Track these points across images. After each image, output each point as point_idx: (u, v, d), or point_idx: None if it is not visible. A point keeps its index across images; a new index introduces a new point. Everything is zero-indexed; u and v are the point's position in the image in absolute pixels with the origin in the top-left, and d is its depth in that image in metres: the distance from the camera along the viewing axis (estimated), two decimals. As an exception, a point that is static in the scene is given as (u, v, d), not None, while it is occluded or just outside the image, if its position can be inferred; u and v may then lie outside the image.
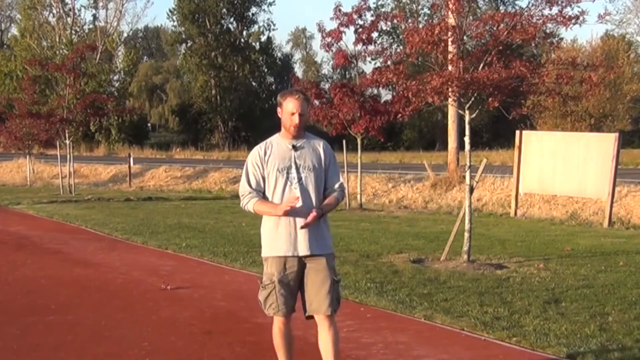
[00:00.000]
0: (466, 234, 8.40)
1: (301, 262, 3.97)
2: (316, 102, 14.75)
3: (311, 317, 4.02)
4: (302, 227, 3.90)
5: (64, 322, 5.81)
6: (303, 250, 3.93)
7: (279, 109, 4.03)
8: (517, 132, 14.60)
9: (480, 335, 5.40)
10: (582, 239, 10.70)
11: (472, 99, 8.40)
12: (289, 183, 3.95)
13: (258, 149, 4.05)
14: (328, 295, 3.93)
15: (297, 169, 3.96)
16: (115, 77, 50.15)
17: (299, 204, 3.88)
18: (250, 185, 4.03)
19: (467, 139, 8.58)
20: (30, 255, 9.18)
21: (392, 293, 6.73)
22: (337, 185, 4.06)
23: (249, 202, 4.01)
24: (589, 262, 8.55)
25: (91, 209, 15.10)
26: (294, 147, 3.99)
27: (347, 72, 53.13)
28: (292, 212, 3.89)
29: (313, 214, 3.87)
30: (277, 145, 4.03)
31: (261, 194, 4.02)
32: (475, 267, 8.12)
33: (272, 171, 3.98)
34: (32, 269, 8.27)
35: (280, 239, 3.95)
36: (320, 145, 4.08)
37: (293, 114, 3.95)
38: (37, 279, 7.62)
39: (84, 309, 6.30)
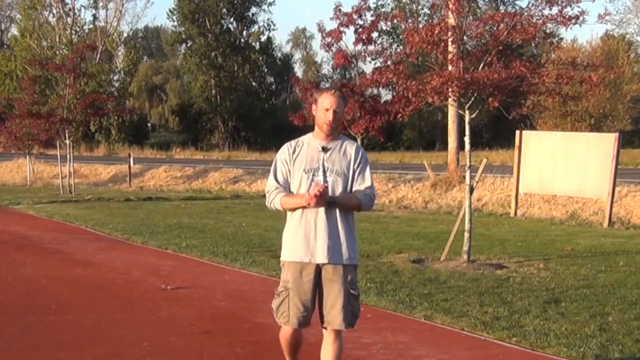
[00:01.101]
0: (466, 234, 8.40)
1: (318, 270, 3.78)
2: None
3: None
4: (315, 204, 3.63)
5: (64, 322, 5.81)
6: (320, 257, 3.75)
7: (313, 106, 3.86)
8: (517, 132, 14.60)
9: (480, 335, 5.40)
10: (582, 239, 10.70)
11: (472, 99, 8.40)
12: (313, 185, 3.73)
13: (288, 146, 3.87)
14: (343, 309, 3.74)
15: (325, 172, 3.77)
16: (115, 77, 50.20)
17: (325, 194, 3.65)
18: (277, 181, 3.84)
19: (467, 139, 8.58)
20: (30, 255, 9.18)
21: (392, 293, 6.73)
22: (362, 187, 3.80)
23: (275, 197, 3.81)
24: (589, 262, 8.55)
25: (91, 209, 15.09)
26: (324, 149, 3.80)
27: (347, 72, 53.18)
28: (314, 218, 3.73)
29: (317, 187, 3.61)
30: (308, 145, 3.85)
31: (288, 190, 3.83)
32: (475, 267, 8.12)
33: (298, 171, 3.80)
34: (32, 269, 8.26)
35: (298, 244, 3.78)
36: (352, 148, 3.85)
37: (327, 110, 3.77)
38: (37, 279, 7.62)
39: (84, 309, 6.30)
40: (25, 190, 20.81)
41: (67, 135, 19.07)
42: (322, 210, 3.75)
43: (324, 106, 3.79)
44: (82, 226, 12.18)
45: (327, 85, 47.73)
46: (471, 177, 8.69)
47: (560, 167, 13.67)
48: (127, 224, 12.23)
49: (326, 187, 3.66)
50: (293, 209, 3.81)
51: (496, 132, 41.18)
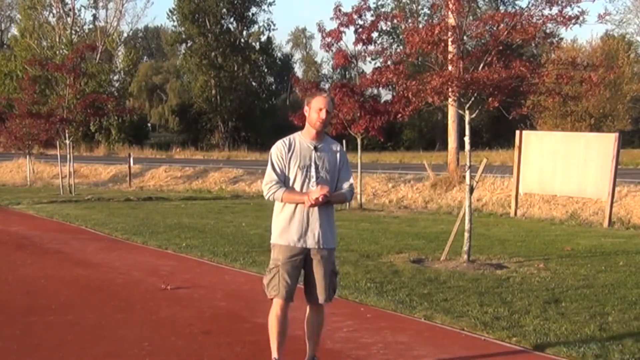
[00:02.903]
0: (466, 234, 8.40)
1: (306, 253, 4.26)
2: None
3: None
4: (311, 205, 4.15)
5: (64, 322, 5.81)
6: (312, 243, 4.24)
7: (306, 108, 4.32)
8: (517, 132, 14.60)
9: (480, 335, 5.40)
10: (582, 239, 10.70)
11: (472, 99, 8.40)
12: (307, 180, 4.24)
13: (282, 143, 4.31)
14: (328, 286, 4.30)
15: (317, 168, 4.25)
16: (115, 77, 50.17)
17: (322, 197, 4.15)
18: (276, 174, 4.26)
19: (467, 139, 8.58)
20: (30, 255, 9.18)
21: (392, 293, 6.73)
22: (346, 185, 4.34)
23: (277, 191, 4.23)
24: (589, 262, 8.55)
25: (91, 209, 15.10)
26: (316, 148, 4.28)
27: (347, 72, 53.13)
28: (308, 209, 4.20)
29: (323, 190, 4.12)
30: (300, 143, 4.31)
31: (286, 184, 4.27)
32: (475, 267, 8.12)
33: (293, 167, 4.26)
34: (32, 269, 8.26)
35: (292, 230, 4.23)
36: (337, 148, 4.38)
37: (321, 109, 4.23)
38: (37, 279, 7.62)
39: (84, 309, 6.30)
40: (25, 190, 20.81)
41: (67, 135, 19.08)
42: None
43: (317, 106, 4.26)
44: (82, 226, 12.18)
45: (327, 85, 47.81)
46: (471, 177, 8.69)
47: (560, 167, 13.67)
48: (127, 224, 12.23)
49: (329, 191, 4.17)
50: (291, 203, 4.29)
51: (496, 132, 41.13)
